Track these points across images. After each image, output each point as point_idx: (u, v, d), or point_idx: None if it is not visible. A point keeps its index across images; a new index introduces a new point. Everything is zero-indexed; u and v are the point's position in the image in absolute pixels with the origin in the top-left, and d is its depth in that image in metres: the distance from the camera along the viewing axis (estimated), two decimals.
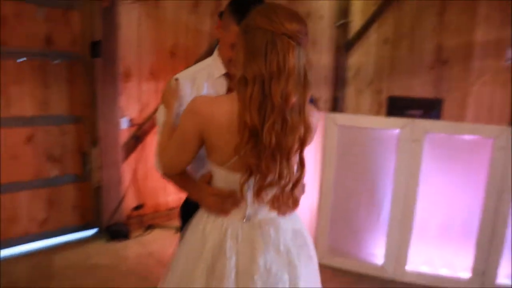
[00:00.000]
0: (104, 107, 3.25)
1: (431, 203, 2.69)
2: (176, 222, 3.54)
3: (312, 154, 3.01)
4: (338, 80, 5.32)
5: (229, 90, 1.38)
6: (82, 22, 3.17)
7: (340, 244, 2.97)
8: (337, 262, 2.96)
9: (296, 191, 1.14)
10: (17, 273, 2.69)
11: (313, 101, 3.53)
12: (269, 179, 1.05)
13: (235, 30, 1.15)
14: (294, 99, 1.02)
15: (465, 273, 2.69)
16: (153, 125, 3.64)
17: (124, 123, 3.41)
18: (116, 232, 3.27)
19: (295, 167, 1.11)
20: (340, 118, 2.87)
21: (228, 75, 1.39)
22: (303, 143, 1.09)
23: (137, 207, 3.62)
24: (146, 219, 3.65)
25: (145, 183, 3.67)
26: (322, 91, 5.25)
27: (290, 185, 1.10)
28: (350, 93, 5.38)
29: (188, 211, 1.29)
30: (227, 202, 1.11)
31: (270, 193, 1.11)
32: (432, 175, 2.67)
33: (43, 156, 3.09)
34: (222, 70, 1.39)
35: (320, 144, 2.91)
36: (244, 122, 1.00)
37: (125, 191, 3.46)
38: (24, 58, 2.95)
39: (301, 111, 1.06)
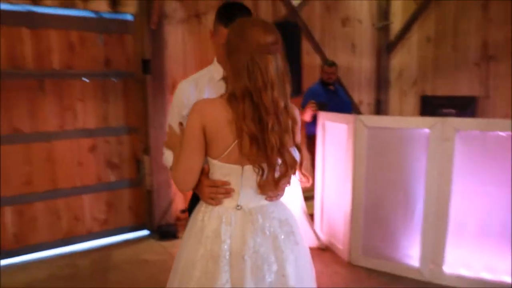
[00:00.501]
0: (155, 118, 3.62)
1: (467, 202, 2.65)
2: None
3: (343, 156, 3.11)
4: (381, 83, 5.30)
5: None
6: (135, 44, 3.57)
7: (374, 245, 3.00)
8: (372, 263, 3.00)
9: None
10: (81, 266, 3.10)
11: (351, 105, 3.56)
12: (278, 171, 1.23)
13: (224, 33, 1.34)
14: (282, 102, 1.20)
15: (508, 277, 2.59)
16: None
17: None
18: (165, 232, 3.59)
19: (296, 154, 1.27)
20: (370, 119, 2.93)
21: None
22: (294, 135, 1.26)
23: (184, 210, 3.93)
24: None
25: None
26: (364, 95, 5.27)
27: (293, 170, 1.27)
28: (393, 95, 5.33)
29: (195, 205, 1.47)
30: (219, 192, 1.28)
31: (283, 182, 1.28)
32: (466, 173, 2.63)
33: (103, 163, 3.52)
34: (221, 73, 1.58)
35: (350, 146, 2.99)
36: (242, 130, 1.19)
37: (173, 195, 3.79)
38: (87, 80, 3.39)
39: (287, 108, 1.23)
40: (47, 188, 3.30)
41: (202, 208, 1.33)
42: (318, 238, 3.41)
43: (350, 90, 5.03)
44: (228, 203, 1.29)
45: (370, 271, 2.96)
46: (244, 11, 1.53)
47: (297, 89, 3.58)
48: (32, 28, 3.13)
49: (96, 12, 3.33)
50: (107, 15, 3.40)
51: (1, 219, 3.13)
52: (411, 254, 2.87)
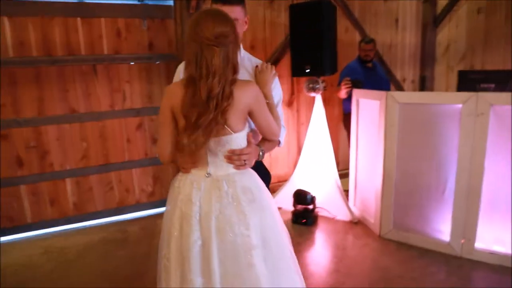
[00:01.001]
0: None
1: (500, 178, 2.58)
2: None
3: (375, 133, 3.12)
4: (426, 59, 5.12)
5: None
6: (175, 27, 3.77)
7: (405, 219, 3.02)
8: (402, 237, 3.03)
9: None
10: (131, 232, 3.46)
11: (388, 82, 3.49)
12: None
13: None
14: (216, 90, 1.31)
15: None
16: None
17: None
18: None
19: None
20: (401, 95, 2.92)
21: None
22: (224, 112, 1.35)
23: None
24: None
25: None
26: (407, 72, 5.13)
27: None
28: (440, 71, 5.13)
29: None
30: (187, 162, 1.45)
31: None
32: (501, 149, 2.56)
33: (149, 139, 3.83)
34: None
35: (382, 123, 3.00)
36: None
37: None
38: (133, 62, 3.68)
39: (224, 93, 1.33)
40: (101, 162, 3.67)
41: (178, 177, 1.51)
42: (350, 212, 3.49)
43: (392, 67, 4.92)
44: (199, 171, 1.45)
45: (400, 244, 3.00)
46: None
47: (332, 68, 3.61)
48: (84, 18, 3.45)
49: None
50: (150, 2, 3.63)
51: (64, 189, 3.57)
52: (442, 229, 2.86)
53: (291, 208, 3.58)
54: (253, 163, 1.52)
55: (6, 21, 3.22)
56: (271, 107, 1.56)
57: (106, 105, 3.63)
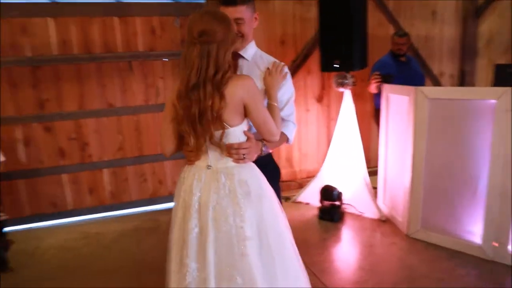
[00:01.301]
0: None
1: None
2: (285, 193, 4.04)
3: (404, 128, 3.05)
4: (466, 52, 4.89)
5: (234, 66, 1.70)
6: None
7: (434, 219, 2.94)
8: (430, 237, 2.95)
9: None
10: (162, 221, 3.61)
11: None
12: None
13: (225, 11, 1.55)
14: (193, 81, 1.38)
15: None
16: None
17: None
18: None
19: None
20: (431, 91, 2.82)
21: (234, 53, 1.65)
22: (217, 111, 1.41)
23: None
24: None
25: None
26: (445, 66, 4.93)
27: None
28: (481, 65, 4.89)
29: None
30: (191, 154, 1.51)
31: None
32: None
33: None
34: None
35: (411, 118, 2.92)
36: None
37: None
38: (167, 59, 3.82)
39: (215, 86, 1.39)
40: (136, 154, 3.86)
41: (184, 168, 1.59)
42: (378, 210, 3.44)
43: (429, 61, 4.74)
44: (201, 163, 1.52)
45: (428, 244, 2.93)
46: None
47: (362, 63, 3.56)
48: (121, 17, 3.62)
49: None
50: (183, 0, 3.75)
51: (101, 179, 3.79)
52: (473, 230, 2.75)
53: (319, 204, 3.58)
54: (253, 157, 1.55)
55: (51, 22, 3.45)
56: (273, 108, 1.60)
57: (141, 100, 3.81)
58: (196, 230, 1.46)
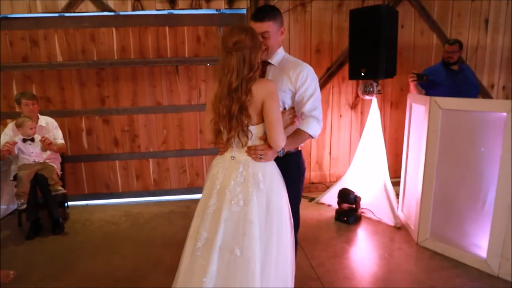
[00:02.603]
0: None
1: None
2: (313, 194, 4.23)
3: (416, 138, 3.09)
4: None
5: (262, 71, 1.96)
6: None
7: (442, 229, 2.93)
8: (438, 247, 2.95)
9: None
10: (194, 208, 3.98)
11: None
12: (232, 132, 1.71)
13: (253, 26, 1.85)
14: (235, 84, 1.64)
15: None
16: None
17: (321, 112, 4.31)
18: None
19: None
20: (444, 101, 2.84)
21: (263, 62, 1.94)
22: (246, 107, 1.68)
23: None
24: None
25: None
26: (497, 77, 4.72)
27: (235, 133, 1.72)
28: None
29: None
30: (220, 147, 1.83)
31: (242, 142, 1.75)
32: None
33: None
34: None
35: (425, 128, 2.96)
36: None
37: None
38: (209, 64, 4.25)
39: (245, 84, 1.66)
40: (177, 148, 4.35)
41: (216, 157, 1.90)
42: (395, 217, 3.48)
43: (477, 72, 4.56)
44: (228, 154, 1.82)
45: (434, 254, 2.94)
46: (266, 12, 1.92)
47: (389, 72, 3.63)
48: (171, 26, 4.14)
49: (217, 9, 4.12)
50: (225, 11, 4.15)
51: (147, 168, 4.35)
52: (480, 244, 2.72)
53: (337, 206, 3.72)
54: (270, 159, 1.79)
55: (114, 31, 4.08)
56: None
57: (185, 99, 4.28)
58: (213, 207, 1.76)
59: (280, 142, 1.75)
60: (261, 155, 1.75)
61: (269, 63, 1.99)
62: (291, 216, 1.85)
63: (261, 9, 1.96)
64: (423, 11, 4.35)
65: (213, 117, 1.80)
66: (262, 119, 1.74)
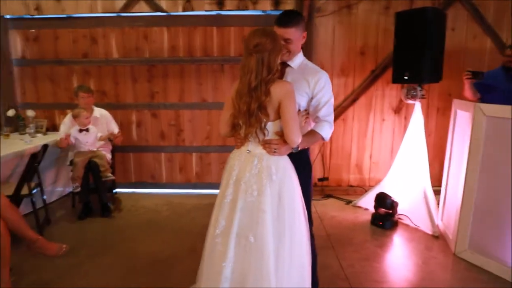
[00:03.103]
0: None
1: None
2: (351, 197, 4.22)
3: (460, 146, 3.00)
4: None
5: (281, 72, 2.04)
6: None
7: (482, 240, 2.82)
8: (476, 259, 2.85)
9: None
10: None
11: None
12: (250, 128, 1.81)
13: (277, 31, 1.93)
14: (254, 84, 1.74)
15: None
16: (340, 113, 4.40)
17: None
18: None
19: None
20: (489, 108, 2.73)
21: (282, 63, 2.02)
22: (265, 106, 1.77)
23: (322, 179, 4.51)
24: (327, 190, 4.49)
25: (330, 161, 4.50)
26: None
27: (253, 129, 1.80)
28: None
29: None
30: (237, 141, 1.93)
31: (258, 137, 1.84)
32: None
33: None
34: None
35: (468, 136, 2.87)
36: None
37: (313, 162, 4.40)
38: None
39: (264, 85, 1.75)
40: (220, 143, 4.51)
41: (233, 150, 2.01)
42: (433, 225, 3.39)
43: None
44: (244, 148, 1.91)
45: (471, 266, 2.85)
46: (290, 17, 1.99)
47: (434, 76, 3.55)
48: (219, 27, 4.31)
49: (263, 10, 4.23)
50: (271, 12, 4.24)
51: (190, 161, 4.56)
52: None
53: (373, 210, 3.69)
54: (284, 153, 1.88)
55: (165, 31, 4.33)
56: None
57: None
58: (230, 197, 1.88)
59: (296, 139, 1.83)
60: (275, 149, 1.84)
61: (289, 65, 2.07)
62: (305, 209, 1.92)
63: (286, 14, 2.02)
64: (476, 14, 4.18)
65: (232, 112, 1.89)
66: (278, 116, 1.83)
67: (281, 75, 2.05)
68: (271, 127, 1.84)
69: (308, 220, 1.99)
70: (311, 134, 2.05)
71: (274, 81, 1.79)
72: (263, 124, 1.80)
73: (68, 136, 3.74)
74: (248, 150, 1.89)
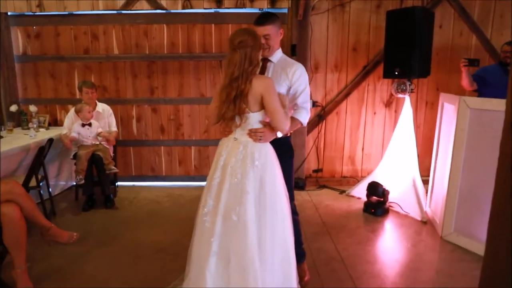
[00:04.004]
0: None
1: None
2: (344, 187, 4.41)
3: (446, 137, 3.20)
4: None
5: (263, 67, 2.29)
6: (287, 31, 4.46)
7: (467, 224, 3.04)
8: (462, 241, 3.06)
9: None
10: None
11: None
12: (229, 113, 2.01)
13: (257, 30, 2.15)
14: (236, 74, 1.94)
15: None
16: (333, 107, 4.59)
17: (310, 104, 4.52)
18: (295, 184, 4.42)
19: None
20: (473, 101, 2.94)
21: (264, 58, 2.29)
22: (246, 95, 1.96)
23: (317, 170, 4.70)
24: (321, 181, 4.68)
25: (324, 153, 4.69)
26: None
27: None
28: None
29: None
30: (225, 129, 2.10)
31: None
32: None
33: None
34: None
35: (454, 127, 3.07)
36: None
37: (307, 154, 4.60)
38: None
39: (245, 76, 1.94)
40: (218, 137, 4.62)
41: (222, 138, 2.19)
42: (422, 211, 3.60)
43: None
44: (232, 135, 2.10)
45: (457, 247, 3.06)
46: (266, 17, 2.23)
47: (422, 71, 3.74)
48: (217, 24, 4.45)
49: (259, 8, 4.38)
50: (268, 10, 4.39)
51: (189, 154, 4.71)
52: None
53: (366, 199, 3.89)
54: (268, 139, 2.09)
55: (165, 28, 4.46)
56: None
57: None
58: (218, 180, 2.07)
59: (284, 127, 2.05)
60: (260, 136, 2.05)
61: (270, 61, 2.33)
62: (287, 191, 2.13)
63: (262, 16, 2.28)
64: (462, 12, 4.39)
65: (218, 104, 2.08)
66: (261, 107, 2.03)
67: (263, 70, 2.31)
68: (255, 117, 2.03)
69: (290, 197, 2.21)
70: (291, 120, 2.25)
71: (255, 73, 2.00)
72: (242, 111, 1.99)
73: (72, 138, 3.86)
74: (235, 137, 2.09)
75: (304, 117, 2.31)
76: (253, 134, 2.05)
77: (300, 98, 2.30)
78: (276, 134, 2.13)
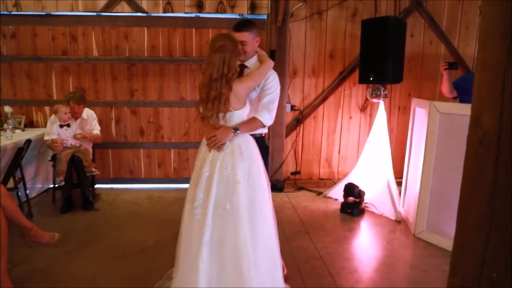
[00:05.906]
0: (283, 96, 4.55)
1: None
2: (321, 189, 4.55)
3: (418, 140, 3.38)
4: None
5: (240, 73, 2.36)
6: (266, 37, 4.57)
7: (437, 223, 3.22)
8: (433, 238, 3.24)
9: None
10: None
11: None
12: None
13: (234, 35, 2.23)
14: (215, 76, 2.04)
15: None
16: (311, 111, 4.73)
17: (288, 108, 4.64)
18: (274, 186, 4.54)
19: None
20: (442, 105, 3.13)
21: (241, 64, 2.37)
22: (224, 96, 2.06)
23: (295, 173, 4.82)
24: (299, 183, 4.80)
25: (302, 155, 4.82)
26: None
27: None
28: None
29: None
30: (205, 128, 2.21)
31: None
32: None
33: None
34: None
35: (425, 130, 3.25)
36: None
37: (286, 157, 4.71)
38: None
39: (224, 80, 2.05)
40: (198, 140, 4.70)
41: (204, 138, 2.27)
42: (396, 211, 3.77)
43: None
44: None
45: (428, 244, 3.23)
46: (244, 24, 2.31)
47: (396, 77, 3.94)
48: (197, 28, 4.51)
49: (240, 14, 4.48)
50: (248, 16, 4.50)
51: (169, 157, 4.72)
52: None
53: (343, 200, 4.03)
54: (225, 140, 2.12)
55: (145, 31, 4.48)
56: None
57: None
58: (207, 174, 2.15)
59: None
60: (214, 141, 2.12)
61: (246, 67, 2.42)
62: (269, 182, 2.25)
63: (240, 23, 2.36)
64: (432, 22, 4.64)
65: (198, 101, 2.20)
66: (242, 105, 2.15)
67: (240, 75, 2.38)
68: (238, 114, 2.14)
69: None
70: (251, 120, 2.27)
71: (235, 80, 2.11)
72: (220, 111, 2.10)
73: (55, 140, 3.81)
74: None
75: (266, 117, 2.28)
76: (211, 144, 2.13)
77: (266, 99, 2.31)
78: (230, 132, 2.13)
